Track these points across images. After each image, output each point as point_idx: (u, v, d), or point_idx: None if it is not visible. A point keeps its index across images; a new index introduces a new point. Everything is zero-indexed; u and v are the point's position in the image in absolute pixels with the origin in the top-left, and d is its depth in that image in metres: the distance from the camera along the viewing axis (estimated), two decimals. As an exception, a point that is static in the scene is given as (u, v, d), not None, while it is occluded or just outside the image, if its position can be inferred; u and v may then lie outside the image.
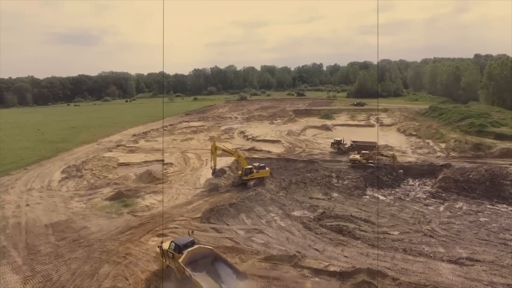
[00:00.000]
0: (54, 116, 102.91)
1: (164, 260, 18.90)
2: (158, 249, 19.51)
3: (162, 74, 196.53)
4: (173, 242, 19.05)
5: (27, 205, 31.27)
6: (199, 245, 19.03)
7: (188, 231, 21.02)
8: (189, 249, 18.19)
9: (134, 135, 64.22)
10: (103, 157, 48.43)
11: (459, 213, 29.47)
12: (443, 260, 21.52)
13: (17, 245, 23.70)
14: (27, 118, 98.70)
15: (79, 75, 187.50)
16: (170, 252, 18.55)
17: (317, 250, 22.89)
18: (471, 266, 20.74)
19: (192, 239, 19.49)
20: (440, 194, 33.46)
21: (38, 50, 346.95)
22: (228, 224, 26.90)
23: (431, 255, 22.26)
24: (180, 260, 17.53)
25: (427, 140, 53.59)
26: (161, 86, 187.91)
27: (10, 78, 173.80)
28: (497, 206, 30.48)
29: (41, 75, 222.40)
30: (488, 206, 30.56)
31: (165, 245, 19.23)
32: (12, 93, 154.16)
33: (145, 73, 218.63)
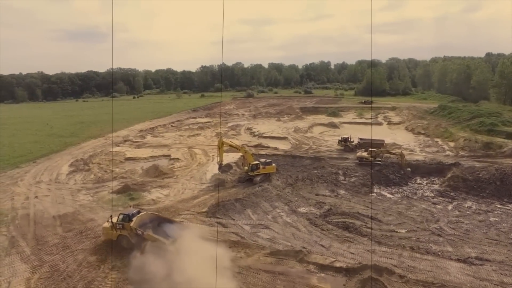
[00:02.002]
0: (63, 111, 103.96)
1: (115, 231, 21.59)
2: (107, 223, 22.04)
3: (169, 71, 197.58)
4: (121, 214, 22.20)
5: (36, 197, 31.66)
6: (145, 212, 23.28)
7: (130, 206, 25.30)
8: (138, 216, 22.04)
9: (141, 130, 64.53)
10: (110, 151, 48.76)
11: (468, 212, 29.05)
12: (452, 259, 21.25)
13: (25, 236, 24.00)
14: (36, 113, 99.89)
15: (87, 71, 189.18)
16: (119, 224, 21.52)
17: (323, 246, 22.77)
18: (480, 266, 20.44)
19: (138, 210, 23.25)
20: (449, 193, 33.00)
21: (48, 46, 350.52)
22: (234, 219, 26.90)
23: (439, 253, 22.00)
24: (132, 225, 21.26)
25: (436, 139, 52.90)
26: (169, 82, 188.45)
27: (21, 74, 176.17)
28: (508, 206, 29.96)
29: (50, 71, 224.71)
30: (498, 206, 30.05)
31: (114, 220, 21.95)
32: (22, 88, 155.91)
33: (153, 70, 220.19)
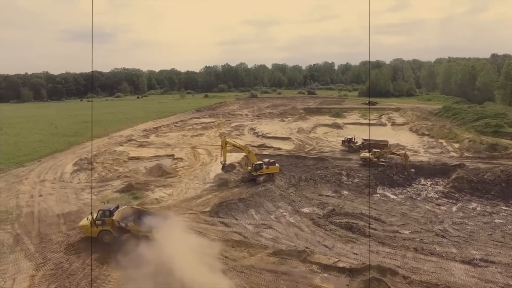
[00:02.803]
0: (67, 110, 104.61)
1: (95, 228, 22.03)
2: (86, 221, 22.52)
3: (173, 71, 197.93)
4: (101, 210, 22.71)
5: (40, 195, 31.83)
6: (126, 206, 23.94)
7: (103, 202, 26.13)
8: (119, 210, 22.80)
9: (145, 130, 64.74)
10: (114, 151, 48.95)
11: (472, 214, 28.84)
12: (456, 260, 21.11)
13: (30, 233, 24.13)
14: (41, 113, 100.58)
15: (92, 71, 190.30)
16: (100, 220, 22.05)
17: (326, 246, 22.70)
18: (485, 268, 20.28)
19: (117, 205, 23.99)
20: (453, 194, 32.78)
21: (53, 47, 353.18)
22: (237, 219, 26.89)
23: (443, 255, 21.86)
24: (114, 218, 21.98)
25: (440, 140, 52.57)
26: (173, 82, 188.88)
27: (26, 73, 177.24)
28: (513, 208, 29.67)
29: (55, 71, 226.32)
30: (504, 208, 29.80)
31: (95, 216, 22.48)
32: (28, 88, 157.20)
33: (157, 70, 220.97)
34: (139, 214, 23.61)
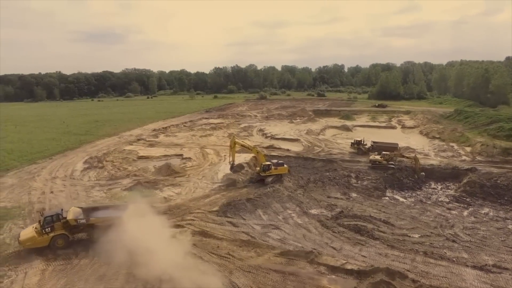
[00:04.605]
0: (79, 110, 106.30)
1: (46, 236, 21.40)
2: (29, 234, 21.52)
3: (183, 72, 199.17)
4: (47, 216, 22.06)
5: (51, 192, 32.37)
6: (72, 207, 23.74)
7: (39, 211, 24.90)
8: (68, 211, 22.61)
9: (154, 130, 65.32)
10: (124, 150, 49.49)
11: (485, 219, 28.22)
12: (467, 266, 20.65)
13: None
14: (54, 112, 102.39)
15: (103, 71, 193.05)
16: (48, 227, 21.49)
17: (334, 248, 22.50)
18: (498, 274, 19.76)
19: (61, 208, 23.76)
20: (464, 198, 32.15)
21: (66, 47, 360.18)
22: (244, 219, 26.86)
23: (454, 259, 21.42)
24: (69, 218, 21.85)
25: (451, 144, 51.71)
26: (182, 83, 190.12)
27: (40, 73, 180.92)
28: (527, 214, 28.96)
29: (68, 71, 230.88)
30: (517, 213, 29.09)
31: (34, 228, 22.00)
32: (41, 87, 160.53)
33: (167, 71, 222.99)
34: (88, 211, 23.49)
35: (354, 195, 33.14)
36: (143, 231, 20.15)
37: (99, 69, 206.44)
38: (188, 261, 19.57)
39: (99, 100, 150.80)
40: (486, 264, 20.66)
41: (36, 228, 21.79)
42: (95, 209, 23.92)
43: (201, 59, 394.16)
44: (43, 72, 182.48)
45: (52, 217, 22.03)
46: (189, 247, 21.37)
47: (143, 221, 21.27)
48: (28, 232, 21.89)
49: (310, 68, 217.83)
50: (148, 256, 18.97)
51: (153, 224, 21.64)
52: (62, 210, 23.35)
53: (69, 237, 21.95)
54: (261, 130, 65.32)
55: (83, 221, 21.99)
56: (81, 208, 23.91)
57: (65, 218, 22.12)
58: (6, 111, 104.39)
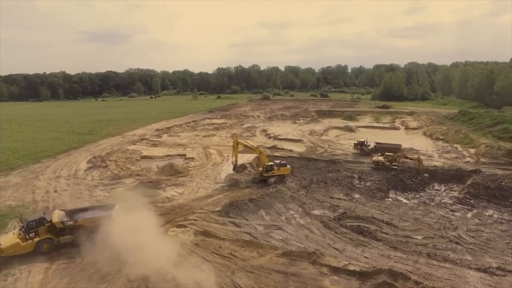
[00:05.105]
0: (83, 109, 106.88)
1: (31, 241, 20.92)
2: (13, 239, 20.82)
3: (186, 72, 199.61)
4: (30, 222, 21.38)
5: (55, 191, 32.57)
6: (56, 210, 23.62)
7: (18, 217, 23.54)
8: (53, 214, 22.38)
9: (158, 130, 65.51)
10: (127, 149, 49.65)
11: (489, 221, 28.03)
12: (471, 268, 20.55)
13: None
14: (58, 111, 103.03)
15: (107, 71, 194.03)
16: (32, 232, 21.03)
17: (336, 249, 22.46)
18: (502, 277, 19.62)
19: (43, 212, 23.66)
20: (468, 200, 31.96)
21: (71, 48, 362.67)
22: (247, 219, 26.88)
23: (457, 261, 21.30)
24: (55, 221, 21.65)
25: (455, 145, 51.41)
26: (186, 83, 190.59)
27: (44, 73, 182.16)
28: (532, 216, 28.72)
29: (72, 71, 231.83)
30: (523, 216, 28.86)
31: (15, 233, 21.48)
32: (45, 87, 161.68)
33: (170, 71, 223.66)
34: (72, 212, 23.36)
35: (357, 196, 33.06)
36: (132, 229, 20.24)
37: (103, 69, 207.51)
38: (178, 258, 19.81)
39: (102, 100, 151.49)
40: (490, 267, 20.54)
41: (19, 234, 21.14)
42: (80, 210, 23.89)
43: (205, 59, 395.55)
44: (47, 72, 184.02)
45: (35, 222, 21.54)
46: (179, 244, 21.71)
47: (132, 220, 21.37)
48: (10, 239, 21.05)
49: (314, 69, 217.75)
50: (136, 254, 19.04)
51: (142, 222, 21.69)
52: (44, 214, 23.08)
53: (54, 240, 21.54)
54: (264, 130, 65.30)
55: (70, 223, 21.81)
56: (63, 210, 23.80)
57: (50, 221, 21.78)
58: (11, 111, 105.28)
